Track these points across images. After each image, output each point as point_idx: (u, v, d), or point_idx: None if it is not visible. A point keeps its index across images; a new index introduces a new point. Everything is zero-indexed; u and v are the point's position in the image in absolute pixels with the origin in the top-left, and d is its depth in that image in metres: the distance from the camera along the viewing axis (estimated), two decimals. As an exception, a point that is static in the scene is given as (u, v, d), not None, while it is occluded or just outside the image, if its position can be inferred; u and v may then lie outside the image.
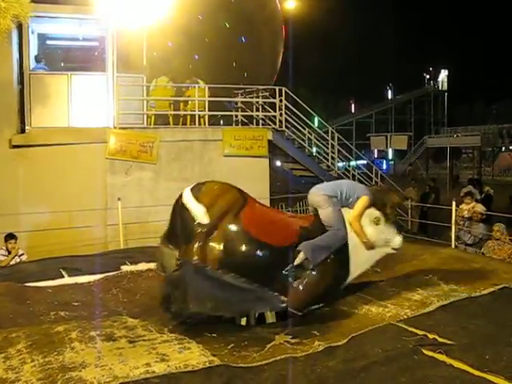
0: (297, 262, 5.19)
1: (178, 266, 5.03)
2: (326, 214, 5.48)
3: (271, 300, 5.12)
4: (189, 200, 5.16)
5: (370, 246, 5.57)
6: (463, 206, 10.15)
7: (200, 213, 5.07)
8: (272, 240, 5.21)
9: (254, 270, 5.06)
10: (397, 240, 5.72)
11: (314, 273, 5.26)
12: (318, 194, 5.65)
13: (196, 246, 5.00)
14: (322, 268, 5.29)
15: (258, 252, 5.12)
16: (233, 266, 5.01)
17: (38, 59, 12.37)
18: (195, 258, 4.95)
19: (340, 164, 16.06)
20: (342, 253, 5.45)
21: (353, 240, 5.53)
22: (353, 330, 4.73)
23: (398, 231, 5.80)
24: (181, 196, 5.27)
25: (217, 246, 5.03)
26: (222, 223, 5.11)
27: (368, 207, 5.59)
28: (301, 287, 5.20)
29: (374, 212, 5.62)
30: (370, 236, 5.55)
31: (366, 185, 15.18)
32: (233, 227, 5.14)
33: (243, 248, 5.10)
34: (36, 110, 11.76)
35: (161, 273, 5.55)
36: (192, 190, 5.26)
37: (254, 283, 5.04)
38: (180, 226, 5.23)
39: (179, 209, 5.23)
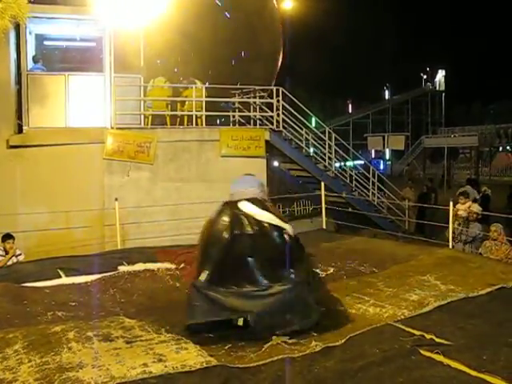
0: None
1: (289, 288, 4.73)
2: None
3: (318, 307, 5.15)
4: (271, 219, 4.93)
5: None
6: (458, 206, 10.17)
7: (289, 229, 4.97)
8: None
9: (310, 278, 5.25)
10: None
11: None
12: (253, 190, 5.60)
13: (296, 264, 4.89)
14: None
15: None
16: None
17: (35, 60, 12.35)
18: (299, 275, 4.85)
19: (337, 164, 16.07)
20: None
21: None
22: (350, 331, 4.73)
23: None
24: (250, 218, 4.91)
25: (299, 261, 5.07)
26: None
27: None
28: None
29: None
30: None
31: (363, 185, 15.37)
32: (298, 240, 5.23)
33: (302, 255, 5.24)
34: (33, 110, 11.75)
35: (202, 319, 4.87)
36: (258, 206, 5.01)
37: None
38: (260, 250, 4.85)
39: (261, 232, 4.88)
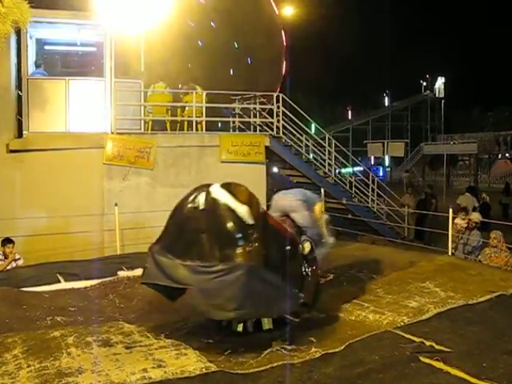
0: (306, 248, 5.48)
1: (226, 269, 4.59)
2: (303, 216, 6.01)
3: (294, 298, 5.01)
4: (229, 200, 4.85)
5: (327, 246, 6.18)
6: (458, 221, 10.19)
7: (246, 213, 4.80)
8: (290, 235, 5.42)
9: (286, 269, 4.97)
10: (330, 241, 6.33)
11: (316, 266, 5.53)
12: (293, 200, 6.15)
13: (247, 247, 4.70)
14: (317, 262, 5.63)
15: (291, 251, 5.19)
16: (272, 267, 4.84)
17: (37, 64, 12.39)
18: (246, 259, 4.66)
19: (336, 170, 16.07)
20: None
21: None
22: (350, 337, 4.73)
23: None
24: (208, 196, 4.91)
25: (261, 247, 4.79)
26: (260, 223, 4.91)
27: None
28: (313, 282, 5.39)
29: (325, 216, 6.47)
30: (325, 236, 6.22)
31: (362, 192, 15.38)
32: (268, 227, 5.05)
33: (277, 246, 5.08)
34: (34, 114, 11.75)
35: (149, 284, 5.22)
36: (224, 189, 4.98)
37: (283, 281, 4.90)
38: (210, 227, 4.82)
39: (212, 209, 4.83)
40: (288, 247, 5.18)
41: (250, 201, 4.98)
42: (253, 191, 5.28)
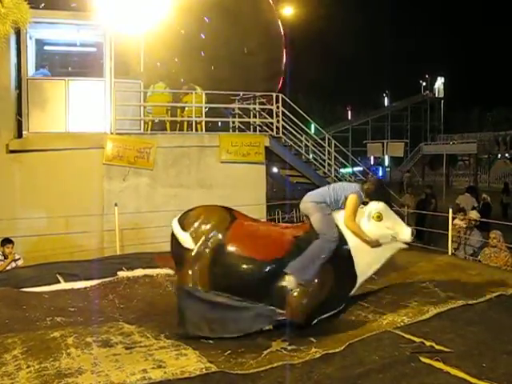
0: (287, 284, 5.17)
1: (176, 291, 5.25)
2: (315, 220, 5.53)
3: (268, 315, 5.11)
4: (175, 228, 5.33)
5: (374, 244, 5.49)
6: (457, 222, 10.20)
7: (186, 239, 5.22)
8: (261, 255, 5.21)
9: (245, 287, 5.09)
10: (406, 232, 5.55)
11: (311, 284, 5.21)
12: (306, 202, 5.74)
13: (186, 270, 5.16)
14: (320, 278, 5.25)
15: (247, 269, 5.14)
16: (224, 286, 5.09)
17: (41, 65, 12.43)
18: (188, 282, 5.11)
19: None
20: (343, 258, 5.41)
21: (353, 241, 5.47)
22: (350, 337, 4.73)
23: (405, 224, 5.72)
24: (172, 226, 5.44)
25: (206, 269, 5.11)
26: (209, 245, 5.18)
27: (359, 204, 5.57)
28: (299, 298, 5.15)
29: (373, 208, 5.56)
30: (371, 233, 5.46)
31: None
32: (219, 248, 5.19)
33: (231, 267, 5.14)
34: (33, 115, 11.75)
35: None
36: (179, 218, 5.44)
37: (248, 300, 5.08)
38: (175, 253, 5.43)
39: (172, 237, 5.40)
40: (245, 266, 5.15)
41: (198, 226, 5.29)
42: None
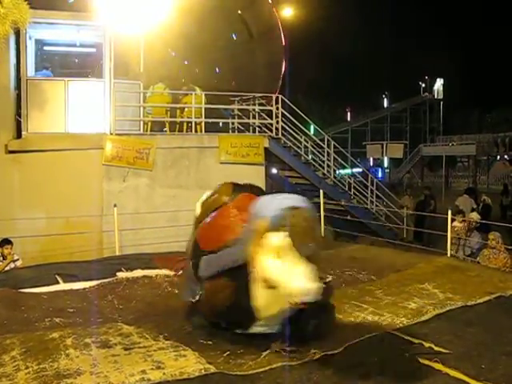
0: (199, 272, 4.78)
1: None
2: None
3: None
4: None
5: (265, 283, 4.19)
6: (456, 224, 10.22)
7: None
8: (204, 243, 4.88)
9: (188, 270, 5.08)
10: (302, 288, 3.89)
11: (207, 286, 4.71)
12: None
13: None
14: (214, 283, 4.61)
15: (194, 252, 5.03)
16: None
17: (44, 66, 12.46)
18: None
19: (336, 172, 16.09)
20: (240, 278, 4.39)
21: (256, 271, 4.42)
22: (349, 339, 4.71)
23: (314, 276, 3.99)
24: None
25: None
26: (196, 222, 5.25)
27: (266, 232, 4.06)
28: (202, 298, 4.84)
29: (275, 240, 4.02)
30: (266, 271, 4.09)
31: (361, 193, 15.35)
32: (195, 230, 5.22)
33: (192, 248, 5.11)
34: (33, 115, 11.76)
35: None
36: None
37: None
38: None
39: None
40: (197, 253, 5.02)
41: (207, 204, 5.31)
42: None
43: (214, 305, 4.66)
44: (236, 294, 4.42)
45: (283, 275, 3.97)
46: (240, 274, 4.34)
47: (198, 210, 5.31)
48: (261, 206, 4.37)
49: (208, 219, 5.04)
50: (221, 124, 15.37)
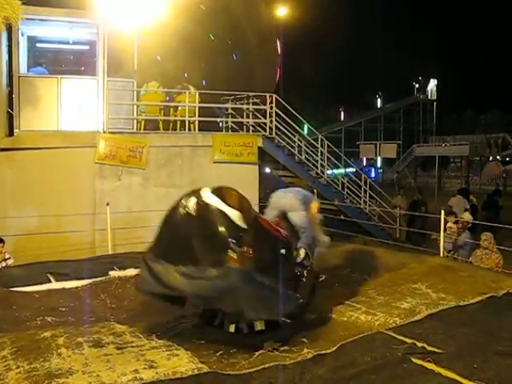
0: (301, 255, 5.58)
1: (221, 274, 4.56)
2: (298, 216, 5.95)
3: (294, 299, 5.08)
4: (220, 204, 4.84)
5: (321, 245, 6.21)
6: (449, 224, 10.26)
7: (238, 217, 4.79)
8: (283, 237, 5.42)
9: (279, 271, 4.98)
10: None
11: (309, 270, 5.57)
12: (291, 199, 6.08)
13: (240, 252, 4.63)
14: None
15: (281, 250, 5.21)
16: (265, 269, 4.83)
17: (38, 62, 12.39)
18: (239, 264, 4.60)
19: (329, 171, 16.09)
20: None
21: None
22: (342, 338, 4.73)
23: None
24: (200, 201, 4.90)
25: (255, 251, 4.73)
26: (252, 227, 4.89)
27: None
28: (305, 281, 5.45)
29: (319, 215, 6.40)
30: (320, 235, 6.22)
31: (354, 193, 15.38)
32: (261, 230, 5.10)
33: (270, 249, 5.12)
34: (25, 113, 11.68)
35: (147, 292, 5.25)
36: (215, 193, 4.97)
37: (278, 283, 4.89)
38: (202, 232, 4.79)
39: (204, 214, 4.81)
40: (282, 250, 5.17)
41: (242, 205, 4.98)
42: (245, 192, 5.28)
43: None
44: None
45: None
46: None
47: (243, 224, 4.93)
48: (303, 197, 6.18)
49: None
50: (221, 124, 15.35)
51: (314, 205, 6.34)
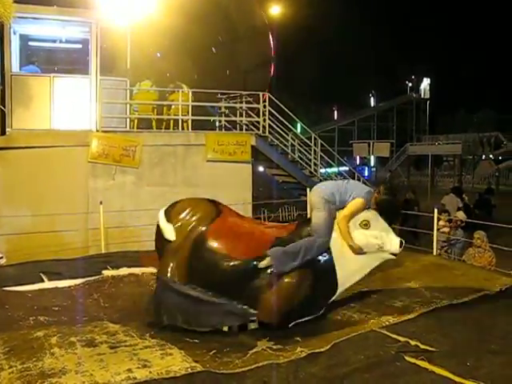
0: (260, 265, 5.01)
1: (156, 281, 5.39)
2: (317, 217, 5.26)
3: (240, 313, 5.06)
4: (161, 219, 5.36)
5: (357, 251, 5.18)
6: (441, 223, 10.30)
7: (169, 230, 5.25)
8: (238, 253, 5.12)
9: (220, 284, 5.07)
10: (393, 243, 5.25)
11: (286, 282, 5.05)
12: (316, 196, 5.40)
13: (166, 261, 5.22)
14: (298, 278, 5.08)
15: (223, 265, 5.08)
16: (200, 281, 5.11)
17: (30, 61, 12.33)
18: (166, 273, 5.16)
19: (322, 170, 16.12)
20: (324, 262, 5.21)
21: (338, 247, 5.22)
22: (335, 337, 4.73)
23: (395, 234, 5.38)
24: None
25: (184, 261, 5.14)
26: (190, 238, 5.18)
27: (362, 210, 5.27)
28: (273, 299, 4.99)
29: (361, 214, 5.26)
30: (357, 240, 5.18)
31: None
32: (199, 242, 5.17)
33: (208, 262, 5.11)
34: (17, 111, 11.63)
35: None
36: (166, 209, 5.43)
37: (222, 297, 5.05)
38: (158, 244, 5.49)
39: (157, 228, 5.44)
40: (228, 263, 5.09)
41: (183, 218, 5.29)
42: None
43: (293, 299, 5.07)
44: (319, 277, 5.17)
45: (378, 239, 5.23)
46: (318, 260, 5.20)
47: (168, 227, 5.30)
48: (346, 189, 5.39)
49: (220, 233, 5.27)
50: (217, 123, 15.34)
51: (355, 202, 5.28)
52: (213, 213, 5.39)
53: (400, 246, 5.25)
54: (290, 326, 5.10)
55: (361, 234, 5.23)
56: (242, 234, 5.34)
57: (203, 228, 5.22)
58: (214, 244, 5.17)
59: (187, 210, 5.34)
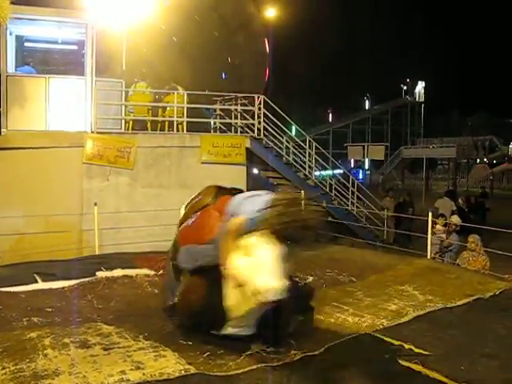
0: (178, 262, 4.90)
1: None
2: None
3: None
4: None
5: (234, 282, 4.25)
6: (437, 226, 10.34)
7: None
8: (184, 240, 4.95)
9: (169, 272, 5.28)
10: (266, 286, 3.89)
11: (183, 287, 4.81)
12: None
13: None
14: (190, 283, 4.75)
15: (172, 251, 5.22)
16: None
17: (25, 61, 12.30)
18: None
19: (317, 173, 16.12)
20: (212, 277, 4.47)
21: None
22: (329, 340, 4.72)
23: (282, 275, 4.00)
24: None
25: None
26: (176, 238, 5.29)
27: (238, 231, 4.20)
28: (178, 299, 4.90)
29: (246, 240, 4.14)
30: (236, 270, 4.16)
31: (342, 194, 15.39)
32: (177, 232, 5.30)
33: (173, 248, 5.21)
34: (12, 112, 11.59)
35: None
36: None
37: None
38: None
39: None
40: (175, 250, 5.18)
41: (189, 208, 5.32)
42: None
43: (189, 305, 4.71)
44: (209, 294, 4.48)
45: (250, 273, 4.00)
46: (212, 274, 4.41)
47: (182, 212, 5.41)
48: (236, 206, 4.48)
49: (190, 220, 5.09)
50: (212, 124, 15.33)
51: (237, 220, 4.28)
52: (206, 202, 5.13)
53: (278, 294, 3.91)
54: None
55: (242, 262, 4.13)
56: (199, 224, 4.95)
57: (188, 215, 5.28)
58: (179, 232, 5.27)
59: (194, 195, 5.45)
